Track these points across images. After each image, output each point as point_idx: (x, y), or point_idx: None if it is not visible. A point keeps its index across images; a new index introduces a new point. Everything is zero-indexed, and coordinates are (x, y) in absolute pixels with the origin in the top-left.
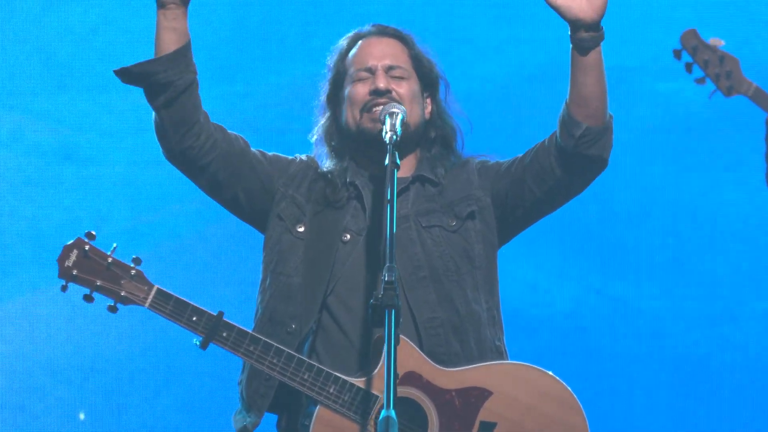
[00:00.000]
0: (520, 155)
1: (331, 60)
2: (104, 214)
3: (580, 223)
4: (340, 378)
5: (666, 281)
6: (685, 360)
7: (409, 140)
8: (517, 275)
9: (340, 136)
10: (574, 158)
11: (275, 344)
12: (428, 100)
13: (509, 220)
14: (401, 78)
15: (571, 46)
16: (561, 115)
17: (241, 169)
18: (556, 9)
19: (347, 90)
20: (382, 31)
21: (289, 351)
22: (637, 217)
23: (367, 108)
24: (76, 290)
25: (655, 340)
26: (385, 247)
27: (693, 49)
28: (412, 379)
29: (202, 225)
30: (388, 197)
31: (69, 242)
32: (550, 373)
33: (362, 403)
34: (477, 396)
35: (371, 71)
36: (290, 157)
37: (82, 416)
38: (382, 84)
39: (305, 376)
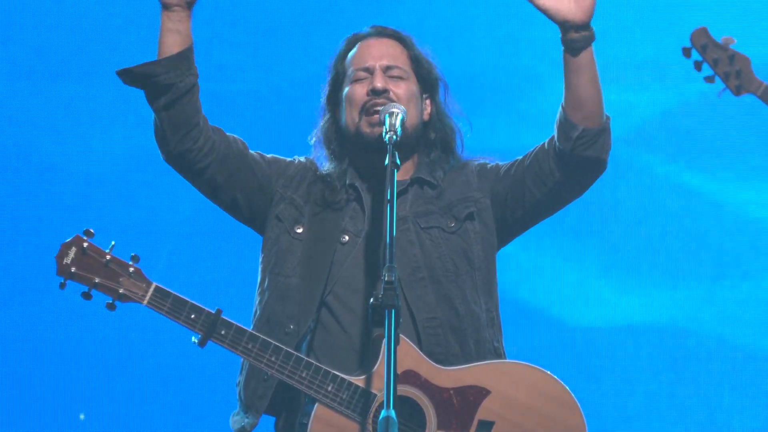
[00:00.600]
0: (520, 157)
1: (330, 62)
2: (103, 211)
3: (580, 223)
4: (338, 376)
5: (666, 281)
6: (685, 360)
7: (407, 141)
8: (517, 275)
9: (339, 138)
10: (572, 160)
11: (273, 342)
12: (427, 102)
13: (509, 221)
14: (399, 78)
15: (563, 48)
16: (558, 118)
17: (240, 171)
18: (544, 11)
19: (346, 90)
20: (381, 32)
21: (288, 349)
22: (637, 217)
23: (365, 110)
24: (75, 288)
25: (655, 339)
26: (383, 249)
27: (703, 48)
28: (410, 377)
29: (201, 223)
30: (388, 197)
31: (67, 240)
32: (549, 372)
33: (361, 402)
34: (475, 395)
35: (369, 71)
36: (289, 159)
37: (82, 416)
38: (379, 84)
39: (303, 374)
